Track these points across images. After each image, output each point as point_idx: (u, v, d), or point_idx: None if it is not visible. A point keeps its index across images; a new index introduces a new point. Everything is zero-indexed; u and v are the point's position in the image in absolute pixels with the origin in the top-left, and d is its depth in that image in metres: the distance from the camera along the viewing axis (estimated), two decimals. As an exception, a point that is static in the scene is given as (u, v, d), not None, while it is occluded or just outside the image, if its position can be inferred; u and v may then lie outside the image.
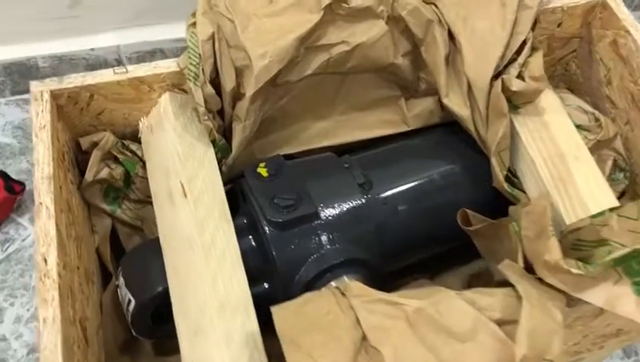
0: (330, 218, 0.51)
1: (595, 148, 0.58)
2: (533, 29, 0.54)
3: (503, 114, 0.51)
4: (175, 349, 0.45)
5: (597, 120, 0.59)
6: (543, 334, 0.38)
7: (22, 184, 0.78)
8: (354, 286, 0.41)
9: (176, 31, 0.86)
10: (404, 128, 0.60)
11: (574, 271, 0.38)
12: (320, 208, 0.51)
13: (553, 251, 0.40)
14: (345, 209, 0.52)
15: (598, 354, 0.63)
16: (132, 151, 0.55)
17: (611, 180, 0.59)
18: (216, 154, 0.53)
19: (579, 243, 0.44)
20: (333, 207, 0.51)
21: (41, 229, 0.43)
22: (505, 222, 0.46)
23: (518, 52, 0.53)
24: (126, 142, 0.56)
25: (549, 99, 0.55)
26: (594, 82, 0.64)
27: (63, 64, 0.86)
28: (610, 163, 0.59)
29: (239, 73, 0.52)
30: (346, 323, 0.39)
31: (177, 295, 0.47)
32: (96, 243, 0.55)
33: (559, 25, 0.61)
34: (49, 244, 0.43)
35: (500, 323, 0.40)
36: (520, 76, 0.53)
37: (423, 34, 0.55)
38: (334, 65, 0.55)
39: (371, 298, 0.40)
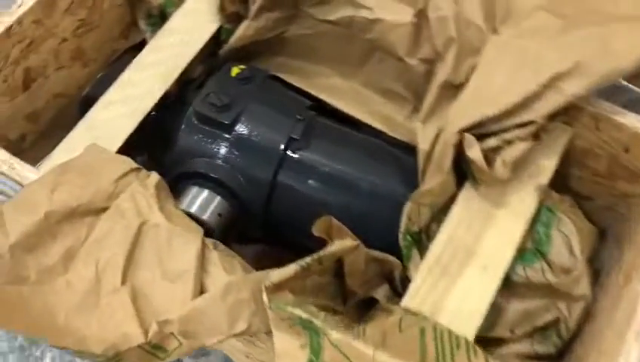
0: (240, 140, 0.51)
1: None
2: (552, 118, 0.45)
3: (443, 170, 0.45)
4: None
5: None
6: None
7: None
8: None
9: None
10: (394, 133, 0.55)
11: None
12: (238, 126, 0.51)
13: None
14: (259, 145, 0.51)
15: None
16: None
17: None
18: (220, 35, 0.56)
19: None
20: (250, 135, 0.51)
21: None
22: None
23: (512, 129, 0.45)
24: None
25: (523, 198, 0.46)
26: None
27: None
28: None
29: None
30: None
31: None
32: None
33: (627, 150, 0.48)
34: None
35: None
36: (492, 151, 0.45)
37: (442, 48, 0.48)
38: (358, 28, 0.53)
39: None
